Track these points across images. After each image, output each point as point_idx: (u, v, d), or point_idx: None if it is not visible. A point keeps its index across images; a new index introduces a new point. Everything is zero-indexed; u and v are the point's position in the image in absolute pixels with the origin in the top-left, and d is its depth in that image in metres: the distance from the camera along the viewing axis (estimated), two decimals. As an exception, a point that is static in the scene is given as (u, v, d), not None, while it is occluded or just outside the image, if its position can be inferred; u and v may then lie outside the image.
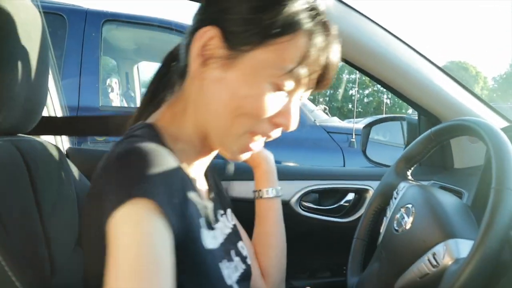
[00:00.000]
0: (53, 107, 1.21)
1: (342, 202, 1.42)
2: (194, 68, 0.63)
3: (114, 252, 0.50)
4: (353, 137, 2.37)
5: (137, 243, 0.50)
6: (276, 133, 0.69)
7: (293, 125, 0.68)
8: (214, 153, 0.75)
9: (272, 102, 0.63)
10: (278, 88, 0.63)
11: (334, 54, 0.66)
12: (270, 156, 0.99)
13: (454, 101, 1.22)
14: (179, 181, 0.58)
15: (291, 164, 2.10)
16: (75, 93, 2.40)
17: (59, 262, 0.79)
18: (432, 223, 0.82)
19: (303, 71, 0.62)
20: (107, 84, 2.89)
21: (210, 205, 0.74)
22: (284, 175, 1.35)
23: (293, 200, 1.35)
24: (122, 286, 0.47)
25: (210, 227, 0.69)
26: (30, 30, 0.79)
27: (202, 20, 0.65)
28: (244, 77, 0.62)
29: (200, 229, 0.64)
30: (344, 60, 1.18)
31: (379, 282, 0.88)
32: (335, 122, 2.93)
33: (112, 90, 2.90)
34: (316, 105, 3.06)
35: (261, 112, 0.63)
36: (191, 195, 0.63)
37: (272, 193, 0.96)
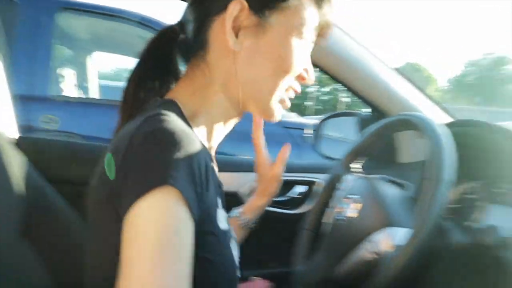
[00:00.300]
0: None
1: (292, 194, 1.45)
2: (231, 41, 0.67)
3: (138, 239, 0.51)
4: (308, 132, 2.42)
5: (162, 231, 0.51)
6: (299, 87, 0.77)
7: (313, 78, 0.77)
8: (232, 125, 0.79)
9: (301, 58, 0.72)
10: (303, 44, 0.71)
11: (333, 10, 0.75)
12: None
13: (402, 98, 1.28)
14: (203, 165, 0.59)
15: (246, 157, 2.12)
16: (24, 81, 2.31)
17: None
18: (374, 213, 0.86)
19: (316, 27, 0.73)
20: (59, 73, 2.80)
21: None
22: (235, 166, 1.38)
23: (242, 191, 1.37)
24: (143, 272, 0.49)
25: (223, 206, 0.73)
26: None
27: (209, 7, 0.69)
28: (276, 40, 0.69)
29: (217, 209, 0.67)
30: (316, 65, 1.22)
31: (323, 270, 0.92)
32: (292, 117, 2.97)
33: (64, 80, 2.82)
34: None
35: (296, 68, 0.72)
36: (213, 176, 0.65)
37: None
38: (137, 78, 0.75)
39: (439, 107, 1.30)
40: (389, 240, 0.78)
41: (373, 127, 1.01)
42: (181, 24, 0.75)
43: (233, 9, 0.66)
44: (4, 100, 1.18)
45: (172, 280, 0.50)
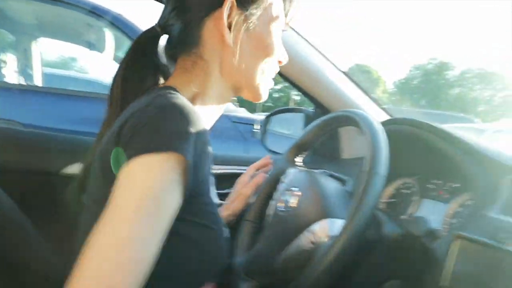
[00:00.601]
0: None
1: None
2: (227, 37, 0.76)
3: (131, 190, 0.57)
4: (257, 128, 2.44)
5: (155, 188, 0.58)
6: (278, 68, 0.89)
7: (287, 58, 0.90)
8: (223, 108, 0.89)
9: (279, 43, 0.84)
10: (279, 31, 0.83)
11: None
12: None
13: (345, 97, 1.32)
14: (207, 141, 0.66)
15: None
16: None
17: None
18: (313, 205, 0.88)
19: (285, 17, 0.85)
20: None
21: None
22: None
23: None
24: (124, 221, 0.55)
25: (213, 184, 0.78)
26: None
27: (201, 9, 0.77)
28: (261, 31, 0.80)
29: (210, 186, 0.74)
30: None
31: (263, 260, 0.94)
32: (241, 112, 2.99)
33: (6, 66, 2.70)
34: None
35: (280, 53, 0.85)
36: (210, 155, 0.71)
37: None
38: (124, 72, 0.79)
39: (379, 106, 1.36)
40: (326, 231, 0.81)
41: (315, 122, 1.04)
42: (164, 26, 0.81)
43: (226, 8, 0.75)
44: None
45: (147, 235, 0.56)
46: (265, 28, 0.81)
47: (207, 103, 0.82)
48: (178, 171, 0.60)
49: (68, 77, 4.53)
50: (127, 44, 2.57)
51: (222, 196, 1.42)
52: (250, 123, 2.55)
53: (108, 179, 0.62)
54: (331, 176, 1.14)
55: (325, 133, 1.04)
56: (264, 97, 0.87)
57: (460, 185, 1.03)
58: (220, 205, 1.14)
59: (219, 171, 1.41)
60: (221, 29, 0.76)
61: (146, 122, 0.61)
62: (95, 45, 2.86)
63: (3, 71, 2.70)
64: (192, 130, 0.62)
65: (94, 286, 0.52)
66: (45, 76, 3.56)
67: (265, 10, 0.80)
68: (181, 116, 0.62)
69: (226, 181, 1.43)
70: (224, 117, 2.50)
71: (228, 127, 2.45)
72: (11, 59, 2.86)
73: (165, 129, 0.60)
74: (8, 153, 1.21)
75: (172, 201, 0.60)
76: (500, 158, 0.92)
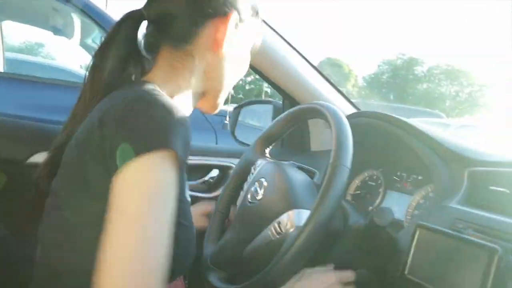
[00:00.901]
0: None
1: (206, 178, 1.47)
2: (225, 44, 0.78)
3: (136, 190, 0.59)
4: (227, 119, 2.43)
5: (158, 187, 0.61)
6: None
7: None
8: None
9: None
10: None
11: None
12: None
13: (313, 88, 1.34)
14: (190, 135, 0.67)
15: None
16: None
17: None
18: (280, 195, 0.89)
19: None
20: None
21: None
22: None
23: None
24: (138, 222, 0.58)
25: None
26: None
27: (211, 10, 0.78)
28: (245, 48, 0.86)
29: (186, 181, 0.77)
30: None
31: (231, 250, 0.94)
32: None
33: None
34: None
35: (248, 66, 0.89)
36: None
37: None
38: (102, 61, 0.77)
39: (347, 100, 1.38)
40: (292, 221, 0.82)
41: (283, 114, 1.05)
42: (158, 13, 0.79)
43: (232, 20, 0.78)
44: None
45: (159, 230, 0.59)
46: (247, 46, 0.87)
47: (183, 101, 0.81)
48: (175, 167, 0.62)
49: (34, 63, 4.38)
50: (95, 30, 2.51)
51: (190, 187, 1.42)
52: (221, 114, 2.55)
53: (87, 167, 0.65)
54: (300, 168, 1.15)
55: (293, 125, 1.05)
56: (218, 110, 0.90)
57: (423, 177, 1.06)
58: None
59: (189, 162, 1.41)
60: (220, 37, 0.78)
61: (138, 120, 0.62)
62: (62, 31, 2.79)
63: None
64: (182, 127, 0.63)
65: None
66: (8, 61, 3.45)
67: (247, 26, 0.83)
68: (171, 114, 0.63)
69: (198, 173, 1.44)
70: (195, 109, 2.49)
71: (199, 118, 2.43)
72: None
73: (159, 128, 0.61)
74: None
75: (173, 197, 0.63)
76: (461, 151, 0.95)
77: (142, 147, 0.60)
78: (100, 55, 0.78)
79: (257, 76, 1.41)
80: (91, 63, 0.79)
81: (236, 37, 0.81)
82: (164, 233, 0.60)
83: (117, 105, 0.65)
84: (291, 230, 0.81)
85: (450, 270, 0.69)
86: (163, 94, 0.68)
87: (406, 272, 0.75)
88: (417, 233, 0.76)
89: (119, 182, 0.60)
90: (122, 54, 0.78)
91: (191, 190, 1.40)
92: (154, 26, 0.80)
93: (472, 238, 0.70)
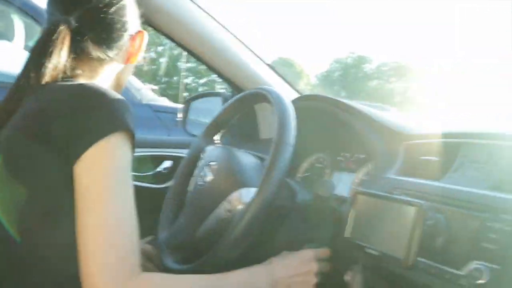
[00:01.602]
0: None
1: (159, 169, 1.48)
2: (139, 56, 0.89)
3: (106, 175, 0.65)
4: (180, 116, 2.43)
5: (124, 168, 0.67)
6: None
7: None
8: None
9: None
10: None
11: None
12: None
13: (258, 77, 1.38)
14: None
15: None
16: None
17: None
18: (230, 176, 0.93)
19: None
20: None
21: None
22: None
23: None
24: (115, 205, 0.64)
25: None
26: None
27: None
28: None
29: None
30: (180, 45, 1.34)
31: (185, 233, 0.97)
32: (163, 101, 2.96)
33: None
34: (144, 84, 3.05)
35: None
36: None
37: None
38: (32, 62, 0.78)
39: (290, 86, 1.43)
40: (240, 199, 0.85)
41: (230, 101, 1.08)
42: (88, 20, 0.80)
43: (146, 35, 0.89)
44: None
45: (130, 209, 0.66)
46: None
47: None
48: (130, 145, 0.69)
49: None
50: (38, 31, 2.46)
51: (143, 179, 1.44)
52: (172, 112, 2.54)
53: (37, 159, 0.68)
54: (250, 155, 1.19)
55: (240, 110, 1.09)
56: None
57: (365, 156, 1.13)
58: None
59: (138, 155, 1.42)
60: (138, 48, 0.88)
61: (91, 108, 0.68)
62: (4, 34, 2.70)
63: None
64: (129, 108, 0.70)
65: (112, 257, 0.63)
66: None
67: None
68: (118, 99, 0.69)
69: (147, 165, 1.45)
70: (146, 107, 2.48)
71: (150, 116, 2.42)
72: None
73: (111, 111, 0.67)
74: None
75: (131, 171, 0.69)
76: (396, 127, 1.02)
77: (101, 131, 0.65)
78: (38, 53, 0.77)
79: (210, 78, 1.45)
80: (25, 64, 0.79)
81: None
82: (132, 204, 0.67)
83: (63, 98, 0.70)
84: (240, 207, 0.84)
85: (384, 229, 0.74)
86: (102, 85, 0.74)
87: (346, 235, 0.81)
88: (356, 199, 0.82)
89: (83, 167, 0.65)
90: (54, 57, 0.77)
91: (144, 181, 1.41)
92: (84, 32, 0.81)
93: (401, 197, 0.76)
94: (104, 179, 0.65)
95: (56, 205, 0.68)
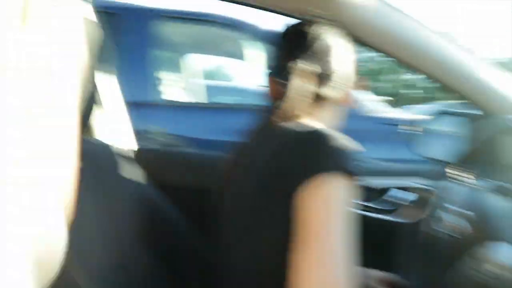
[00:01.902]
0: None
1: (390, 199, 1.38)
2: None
3: (328, 214, 0.63)
4: (403, 128, 2.26)
5: (343, 206, 0.65)
6: None
7: None
8: None
9: None
10: None
11: None
12: None
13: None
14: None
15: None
16: (133, 89, 2.38)
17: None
18: (479, 226, 0.81)
19: None
20: (162, 78, 2.82)
21: None
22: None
23: None
24: (337, 246, 0.62)
25: None
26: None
27: None
28: None
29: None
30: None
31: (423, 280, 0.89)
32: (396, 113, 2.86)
33: (168, 84, 2.86)
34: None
35: None
36: None
37: None
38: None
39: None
40: (494, 258, 0.73)
41: (485, 132, 0.94)
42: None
43: None
44: (121, 113, 1.22)
45: (347, 249, 0.62)
46: None
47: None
48: (350, 187, 0.67)
49: (221, 88, 4.72)
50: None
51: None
52: (391, 123, 2.42)
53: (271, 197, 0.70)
54: (497, 187, 1.01)
55: (497, 145, 0.93)
56: None
57: None
58: None
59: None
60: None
61: (316, 148, 0.68)
62: (237, 55, 3.05)
63: (166, 89, 2.84)
64: (349, 151, 0.69)
65: None
66: (208, 88, 3.85)
67: None
68: (340, 142, 0.69)
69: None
70: (373, 119, 2.46)
71: (371, 130, 2.33)
72: (171, 77, 3.06)
73: (335, 153, 0.67)
74: (185, 175, 1.30)
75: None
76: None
77: (325, 168, 0.65)
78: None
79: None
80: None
81: None
82: (350, 248, 0.63)
83: (292, 139, 0.73)
84: (495, 269, 0.72)
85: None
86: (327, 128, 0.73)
87: None
88: None
89: (305, 197, 0.65)
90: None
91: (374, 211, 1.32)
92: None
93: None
94: (323, 215, 0.64)
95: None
